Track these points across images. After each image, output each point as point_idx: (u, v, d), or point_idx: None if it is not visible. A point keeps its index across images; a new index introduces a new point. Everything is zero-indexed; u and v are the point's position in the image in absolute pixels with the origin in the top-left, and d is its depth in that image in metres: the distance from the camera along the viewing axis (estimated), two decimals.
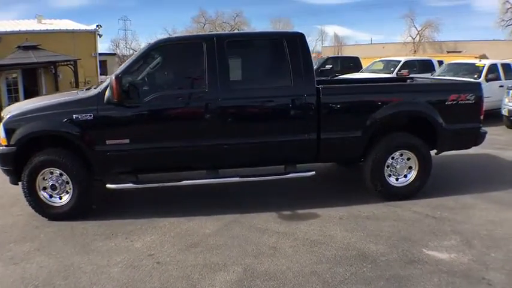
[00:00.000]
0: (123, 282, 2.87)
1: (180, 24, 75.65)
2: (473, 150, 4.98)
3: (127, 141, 3.87)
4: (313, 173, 4.19)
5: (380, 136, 4.27)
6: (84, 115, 3.79)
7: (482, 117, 4.53)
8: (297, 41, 4.04)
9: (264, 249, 3.31)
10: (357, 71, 12.87)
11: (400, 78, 6.40)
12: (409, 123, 4.52)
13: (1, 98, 12.75)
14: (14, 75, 13.84)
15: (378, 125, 4.18)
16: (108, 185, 4.01)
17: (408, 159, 4.37)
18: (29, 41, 13.60)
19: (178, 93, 3.95)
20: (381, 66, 12.27)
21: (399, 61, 11.61)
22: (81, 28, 16.35)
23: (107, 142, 3.85)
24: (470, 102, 4.37)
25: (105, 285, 2.85)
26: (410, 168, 4.40)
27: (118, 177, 4.08)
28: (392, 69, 11.28)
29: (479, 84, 4.52)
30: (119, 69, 3.90)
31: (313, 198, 4.48)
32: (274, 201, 4.38)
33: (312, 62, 4.09)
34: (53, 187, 3.94)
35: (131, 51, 45.96)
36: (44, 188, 3.95)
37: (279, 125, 4.06)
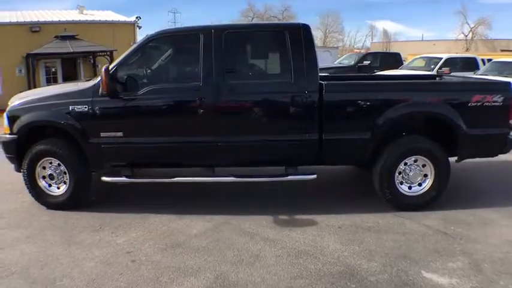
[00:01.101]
0: (92, 277, 2.82)
1: (228, 18, 76.38)
2: (504, 156, 4.41)
3: (120, 134, 3.82)
4: (315, 176, 3.89)
5: (392, 139, 3.88)
6: (80, 107, 3.79)
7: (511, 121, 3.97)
8: (300, 33, 3.74)
9: (245, 257, 3.11)
10: (397, 68, 12.17)
11: (428, 76, 5.82)
12: (427, 126, 4.07)
13: (40, 86, 13.50)
14: (54, 63, 14.60)
15: (388, 127, 3.79)
16: (103, 178, 4.01)
17: (423, 166, 3.93)
18: (67, 31, 14.19)
19: (172, 87, 3.83)
20: (422, 63, 11.48)
21: (440, 58, 10.74)
22: (121, 19, 16.81)
23: (101, 134, 3.83)
24: (497, 104, 3.83)
25: (74, 278, 2.82)
26: (425, 176, 3.96)
27: (113, 170, 4.06)
28: (433, 66, 10.47)
29: (509, 84, 3.94)
30: (114, 62, 3.84)
31: (316, 203, 4.18)
32: (274, 204, 4.15)
33: (315, 56, 3.76)
34: (51, 177, 4.01)
35: None
36: (43, 177, 4.03)
37: (277, 123, 3.80)
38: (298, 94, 3.68)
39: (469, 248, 3.18)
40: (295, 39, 3.72)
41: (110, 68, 3.54)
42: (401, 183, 3.96)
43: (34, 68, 13.69)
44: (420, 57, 11.97)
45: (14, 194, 4.56)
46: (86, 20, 15.47)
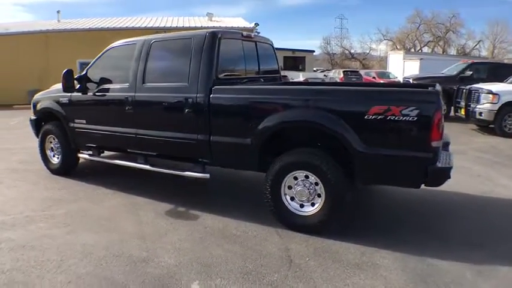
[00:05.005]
0: (15, 212, 4.10)
1: (394, 24, 73.91)
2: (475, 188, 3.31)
3: (84, 121, 4.96)
4: (207, 176, 4.03)
5: (285, 149, 3.64)
6: (64, 99, 5.13)
7: (436, 143, 3.05)
8: (203, 41, 3.96)
9: (111, 226, 3.72)
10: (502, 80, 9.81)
11: (423, 86, 4.72)
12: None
13: None
14: None
15: (268, 135, 3.57)
16: (79, 154, 5.27)
17: (316, 184, 3.50)
18: None
19: (113, 87, 4.66)
20: None
21: None
22: (240, 25, 18.73)
23: (75, 121, 5.06)
24: (409, 119, 3.03)
25: (6, 213, 4.07)
26: (319, 196, 3.51)
27: (88, 149, 5.21)
28: None
29: (432, 94, 3.00)
30: (85, 69, 4.99)
31: (221, 203, 4.30)
32: (195, 196, 4.56)
33: (212, 61, 3.88)
34: (52, 149, 5.52)
35: (340, 49, 51.34)
36: (49, 149, 5.58)
37: (176, 122, 4.12)
38: (190, 97, 3.93)
39: (278, 283, 2.73)
40: (198, 46, 3.97)
41: (65, 73, 4.70)
42: (293, 198, 3.62)
43: None
44: None
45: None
46: (207, 26, 18.02)
